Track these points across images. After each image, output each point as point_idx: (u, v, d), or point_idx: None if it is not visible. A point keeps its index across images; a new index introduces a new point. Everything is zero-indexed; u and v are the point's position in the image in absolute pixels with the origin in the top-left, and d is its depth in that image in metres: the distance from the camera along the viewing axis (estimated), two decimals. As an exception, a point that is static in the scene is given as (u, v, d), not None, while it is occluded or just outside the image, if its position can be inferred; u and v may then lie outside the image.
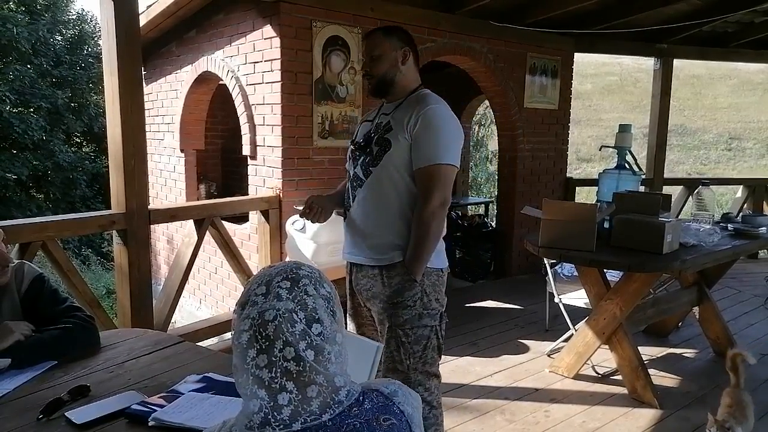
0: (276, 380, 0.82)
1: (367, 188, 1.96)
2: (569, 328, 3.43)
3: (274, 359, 0.82)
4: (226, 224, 3.96)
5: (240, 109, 4.25)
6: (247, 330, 0.84)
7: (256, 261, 4.15)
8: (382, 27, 2.06)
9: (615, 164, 3.52)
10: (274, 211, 3.99)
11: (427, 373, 1.98)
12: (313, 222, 2.09)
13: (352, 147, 2.07)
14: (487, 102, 6.89)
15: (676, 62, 6.29)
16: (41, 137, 11.77)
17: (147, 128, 3.37)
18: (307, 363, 0.83)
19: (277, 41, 3.84)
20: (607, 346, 3.13)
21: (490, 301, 4.79)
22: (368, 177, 1.96)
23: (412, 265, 1.90)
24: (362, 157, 1.98)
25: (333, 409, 0.85)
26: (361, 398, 0.89)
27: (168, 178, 5.75)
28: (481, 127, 12.29)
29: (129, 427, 1.33)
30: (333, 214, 3.72)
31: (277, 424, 0.82)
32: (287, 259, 1.01)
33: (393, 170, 1.91)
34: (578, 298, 3.54)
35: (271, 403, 0.83)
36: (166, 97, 5.52)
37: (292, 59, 3.88)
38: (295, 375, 0.83)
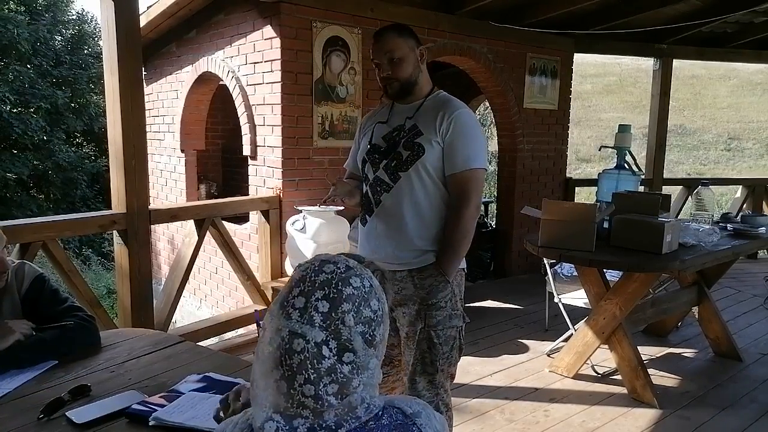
0: (291, 410, 0.83)
1: (397, 193, 1.91)
2: (569, 328, 3.43)
3: (293, 392, 0.82)
4: (227, 224, 3.96)
5: (240, 110, 4.25)
6: (276, 349, 0.83)
7: (256, 261, 4.15)
8: (392, 26, 1.96)
9: (614, 164, 3.52)
10: (274, 211, 3.99)
11: (449, 373, 1.99)
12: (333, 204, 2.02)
13: (369, 148, 2.00)
14: (486, 102, 6.89)
15: (676, 62, 6.29)
16: (41, 137, 11.78)
17: (147, 128, 3.37)
18: (325, 401, 0.83)
19: (277, 42, 3.85)
20: (606, 346, 3.13)
21: (489, 301, 4.80)
22: (396, 181, 1.91)
23: (447, 266, 1.90)
24: (385, 161, 1.94)
25: (349, 424, 0.85)
26: (379, 413, 0.88)
27: (168, 179, 5.75)
28: (481, 127, 12.29)
29: (129, 427, 1.33)
30: (333, 214, 3.73)
31: None
32: (330, 256, 0.94)
33: (425, 175, 1.89)
34: (578, 297, 3.54)
35: (287, 427, 0.83)
36: (167, 98, 5.52)
37: (292, 60, 3.88)
38: (311, 409, 0.83)
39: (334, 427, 0.83)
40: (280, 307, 0.85)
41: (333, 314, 0.84)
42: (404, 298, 1.94)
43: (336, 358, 0.83)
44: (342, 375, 0.83)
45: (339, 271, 0.88)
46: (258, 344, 0.87)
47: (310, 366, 0.82)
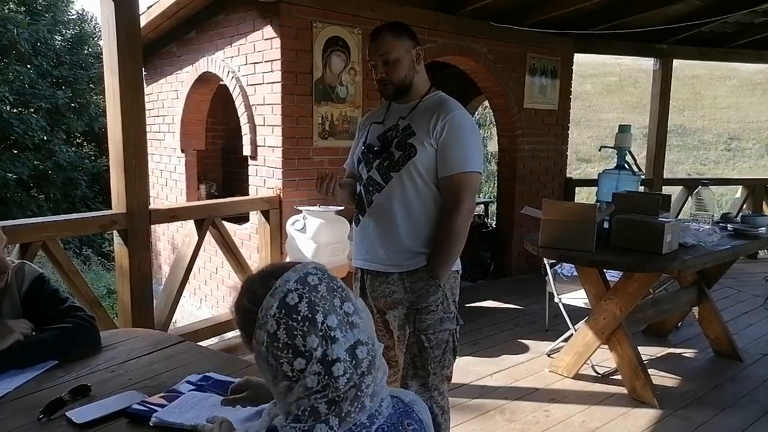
0: (351, 415, 0.84)
1: (388, 193, 1.91)
2: (569, 328, 3.43)
3: (359, 394, 0.84)
4: (227, 224, 3.96)
5: (240, 110, 4.25)
6: (343, 375, 0.83)
7: (257, 261, 4.15)
8: (388, 26, 1.94)
9: (615, 164, 3.53)
10: (274, 212, 3.99)
11: (443, 376, 1.97)
12: (327, 194, 1.91)
13: (363, 149, 2.00)
14: (486, 102, 6.89)
15: (676, 62, 6.29)
16: (41, 137, 11.79)
17: (147, 128, 3.37)
18: (379, 396, 0.86)
19: (277, 42, 3.85)
20: (606, 346, 3.13)
21: (490, 301, 4.80)
22: (388, 182, 1.90)
23: (439, 270, 1.88)
24: (378, 161, 1.93)
25: (378, 420, 0.88)
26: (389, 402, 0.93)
27: (168, 179, 5.75)
28: (481, 127, 12.30)
29: (129, 427, 1.33)
30: (333, 214, 3.73)
31: None
32: (281, 261, 0.95)
33: (416, 176, 1.88)
34: (578, 298, 3.54)
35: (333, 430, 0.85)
36: (167, 98, 5.52)
37: (293, 60, 3.88)
38: (368, 408, 0.85)
39: (368, 424, 0.86)
40: (322, 343, 0.82)
41: (356, 307, 0.88)
42: (394, 301, 1.93)
43: (378, 347, 0.88)
44: (381, 360, 0.88)
45: (321, 273, 0.87)
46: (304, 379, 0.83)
47: (376, 362, 0.86)
